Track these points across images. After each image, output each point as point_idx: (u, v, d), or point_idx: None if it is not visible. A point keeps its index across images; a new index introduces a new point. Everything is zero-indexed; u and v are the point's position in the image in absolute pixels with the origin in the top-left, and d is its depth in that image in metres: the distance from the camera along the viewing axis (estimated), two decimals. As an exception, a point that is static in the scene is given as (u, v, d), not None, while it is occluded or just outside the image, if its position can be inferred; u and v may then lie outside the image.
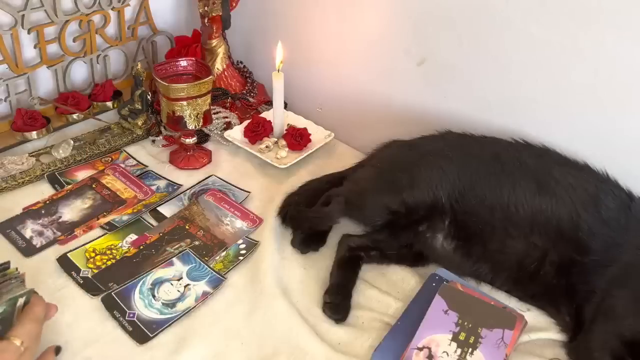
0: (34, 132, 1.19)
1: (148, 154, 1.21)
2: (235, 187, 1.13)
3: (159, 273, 0.92)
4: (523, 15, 0.95)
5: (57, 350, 0.77)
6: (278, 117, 1.22)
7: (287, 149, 1.21)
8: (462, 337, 0.83)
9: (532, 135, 0.98)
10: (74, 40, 1.27)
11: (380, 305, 0.91)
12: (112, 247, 0.96)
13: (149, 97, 1.23)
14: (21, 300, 0.70)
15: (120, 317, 0.84)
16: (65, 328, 0.82)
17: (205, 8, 1.27)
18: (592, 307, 0.84)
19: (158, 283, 0.90)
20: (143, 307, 0.86)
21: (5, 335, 0.68)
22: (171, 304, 0.87)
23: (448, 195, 0.93)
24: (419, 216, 0.94)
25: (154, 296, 0.88)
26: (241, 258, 0.97)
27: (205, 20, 1.29)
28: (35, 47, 1.20)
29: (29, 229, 0.98)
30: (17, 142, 1.18)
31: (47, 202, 1.04)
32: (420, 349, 0.81)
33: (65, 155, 1.14)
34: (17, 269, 0.75)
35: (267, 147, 1.21)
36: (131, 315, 0.85)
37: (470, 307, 0.87)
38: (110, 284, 0.89)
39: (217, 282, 0.91)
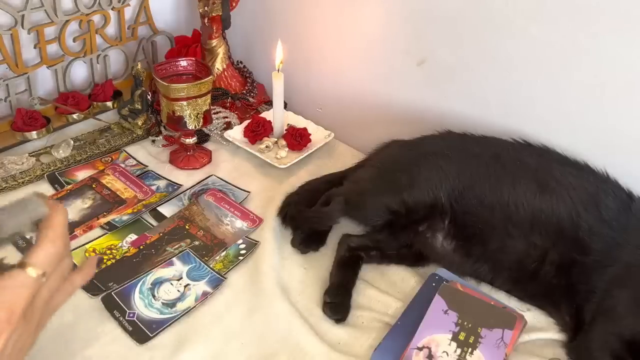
0: (34, 132, 1.19)
1: (148, 154, 1.21)
2: (235, 187, 1.13)
3: (159, 273, 0.92)
4: (523, 15, 0.95)
5: (100, 261, 0.67)
6: (278, 117, 1.22)
7: (287, 149, 1.21)
8: (461, 337, 0.83)
9: (532, 135, 0.98)
10: (74, 40, 1.27)
11: (380, 305, 0.91)
12: (112, 247, 0.96)
13: (149, 97, 1.23)
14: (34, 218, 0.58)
15: (120, 316, 0.84)
16: (65, 328, 0.82)
17: (205, 8, 1.27)
18: (592, 307, 0.84)
19: (158, 283, 0.90)
20: (143, 307, 0.86)
21: (20, 262, 0.55)
22: (171, 304, 0.87)
23: (448, 195, 0.93)
24: (418, 216, 0.94)
25: (154, 296, 0.88)
26: (241, 258, 0.97)
27: (205, 20, 1.29)
28: (35, 47, 1.20)
29: (29, 229, 0.98)
30: (17, 142, 1.18)
31: (47, 202, 1.04)
32: (420, 349, 0.81)
33: (65, 155, 1.14)
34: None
35: (267, 147, 1.21)
36: (131, 315, 0.85)
37: (470, 307, 0.87)
38: (110, 284, 0.89)
39: (217, 282, 0.91)
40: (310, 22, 1.29)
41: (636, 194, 0.90)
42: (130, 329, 0.83)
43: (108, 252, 0.95)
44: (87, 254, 0.94)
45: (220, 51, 1.33)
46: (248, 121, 1.25)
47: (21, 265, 0.56)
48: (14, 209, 0.59)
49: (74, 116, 1.26)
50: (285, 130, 1.24)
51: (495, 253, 0.91)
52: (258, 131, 1.22)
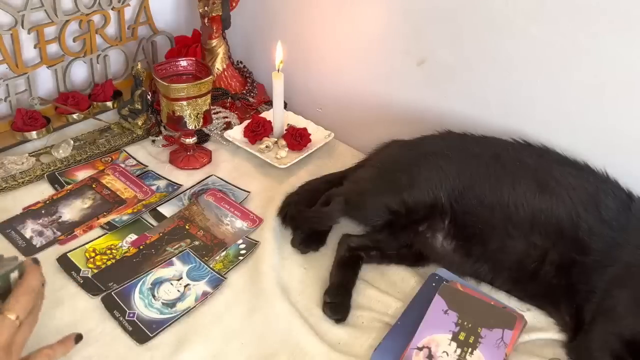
0: (34, 132, 1.19)
1: (148, 154, 1.21)
2: (235, 187, 1.13)
3: (159, 273, 0.92)
4: (523, 15, 0.95)
5: (78, 338, 0.76)
6: (278, 117, 1.22)
7: (287, 149, 1.21)
8: (461, 336, 0.83)
9: (532, 135, 0.98)
10: (74, 40, 1.27)
11: (380, 305, 0.91)
12: (112, 247, 0.96)
13: (149, 97, 1.23)
14: (14, 275, 0.70)
15: (120, 316, 0.84)
16: (65, 328, 0.82)
17: (205, 8, 1.27)
18: (592, 307, 0.84)
19: (158, 283, 0.90)
20: (143, 307, 0.86)
21: None
22: (171, 304, 0.87)
23: (448, 195, 0.93)
24: (418, 216, 0.94)
25: (154, 296, 0.88)
26: (241, 258, 0.97)
27: (205, 20, 1.29)
28: (35, 47, 1.20)
29: (29, 229, 0.98)
30: (17, 142, 1.18)
31: (47, 202, 1.04)
32: (420, 349, 0.81)
33: (65, 155, 1.14)
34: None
35: (267, 147, 1.21)
36: (131, 315, 0.85)
37: (470, 307, 0.87)
38: (110, 284, 0.89)
39: (217, 282, 0.91)
40: (311, 22, 1.29)
41: (636, 194, 0.90)
42: (130, 329, 0.83)
43: (108, 252, 0.95)
44: (87, 254, 0.94)
45: (220, 51, 1.33)
46: (248, 121, 1.25)
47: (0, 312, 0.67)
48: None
49: (74, 116, 1.26)
50: (285, 130, 1.24)
51: (495, 253, 0.91)
52: (258, 131, 1.22)
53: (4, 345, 0.65)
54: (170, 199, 1.09)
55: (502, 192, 0.91)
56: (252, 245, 0.99)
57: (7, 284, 0.70)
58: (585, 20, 0.89)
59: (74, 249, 0.95)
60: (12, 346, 0.66)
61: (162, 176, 1.15)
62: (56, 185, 1.09)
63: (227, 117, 1.29)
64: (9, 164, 1.09)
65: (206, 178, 1.15)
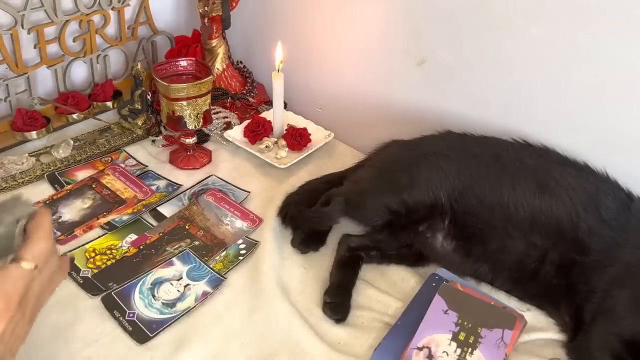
0: (34, 132, 1.19)
1: (148, 154, 1.21)
2: (235, 187, 1.13)
3: (159, 273, 0.92)
4: (523, 15, 0.95)
5: (71, 260, 0.72)
6: (278, 117, 1.22)
7: (287, 149, 1.21)
8: (461, 336, 0.83)
9: (532, 135, 0.98)
10: (74, 40, 1.27)
11: (380, 305, 0.91)
12: (112, 247, 0.96)
13: (149, 97, 1.23)
14: (22, 223, 0.62)
15: (120, 316, 0.84)
16: (65, 328, 0.83)
17: (205, 8, 1.27)
18: (592, 307, 0.84)
19: (158, 283, 0.90)
20: (143, 307, 0.86)
21: (13, 258, 0.60)
22: (171, 304, 0.87)
23: (448, 195, 0.93)
24: (418, 216, 0.94)
25: (153, 296, 0.88)
26: (241, 258, 0.97)
27: (205, 20, 1.29)
28: (35, 47, 1.20)
29: (29, 229, 0.98)
30: (17, 142, 1.18)
31: (47, 202, 1.04)
32: (420, 349, 0.81)
33: (65, 155, 1.14)
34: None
35: (267, 147, 1.21)
36: (131, 315, 0.85)
37: (470, 307, 0.87)
38: (110, 284, 0.89)
39: (217, 282, 0.91)
40: (310, 22, 1.29)
41: (636, 194, 0.90)
42: (130, 329, 0.83)
43: (108, 252, 0.95)
44: (87, 254, 0.94)
45: (220, 51, 1.33)
46: (248, 121, 1.25)
47: (15, 260, 0.60)
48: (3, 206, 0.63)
49: (74, 116, 1.26)
50: (285, 130, 1.24)
51: (495, 253, 0.91)
52: (258, 131, 1.22)
53: (19, 301, 0.57)
54: (170, 199, 1.09)
55: (502, 192, 0.91)
56: (252, 245, 0.99)
57: (11, 235, 0.61)
58: (585, 20, 0.89)
59: (74, 249, 0.95)
60: (30, 300, 0.59)
61: (162, 176, 1.15)
62: (56, 185, 1.09)
63: (227, 117, 1.29)
64: (9, 164, 1.09)
65: (206, 178, 1.15)
